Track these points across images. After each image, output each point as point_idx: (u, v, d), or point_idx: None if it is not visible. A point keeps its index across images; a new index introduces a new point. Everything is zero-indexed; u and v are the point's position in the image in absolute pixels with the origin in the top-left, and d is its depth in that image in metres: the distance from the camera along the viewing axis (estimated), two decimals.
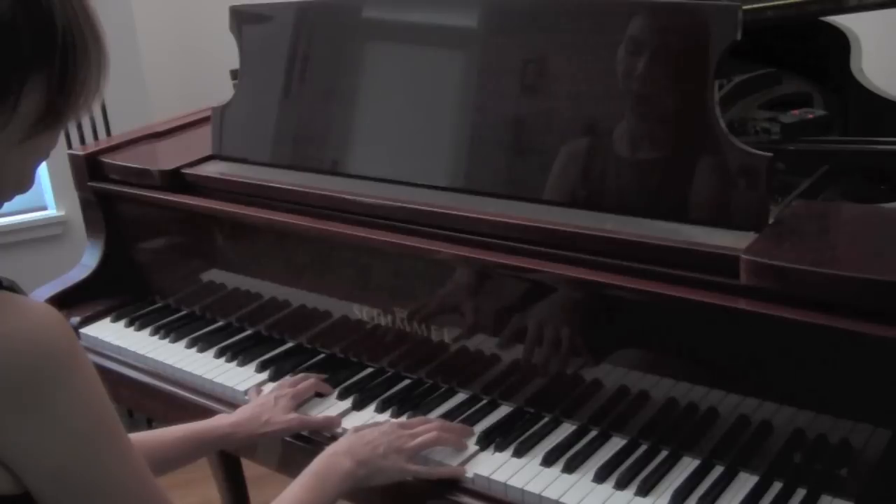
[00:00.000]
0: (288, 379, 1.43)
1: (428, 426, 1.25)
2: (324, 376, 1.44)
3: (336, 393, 1.41)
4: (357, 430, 1.25)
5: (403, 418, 1.33)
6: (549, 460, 1.21)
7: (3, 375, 0.75)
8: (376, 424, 1.27)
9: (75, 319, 1.72)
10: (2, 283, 0.80)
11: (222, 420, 1.32)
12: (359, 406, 1.38)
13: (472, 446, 1.26)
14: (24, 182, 0.86)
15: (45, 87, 0.80)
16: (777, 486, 1.13)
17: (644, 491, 1.14)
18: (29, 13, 0.77)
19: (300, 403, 1.37)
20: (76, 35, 0.81)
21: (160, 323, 1.69)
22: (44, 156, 0.86)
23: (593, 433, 1.26)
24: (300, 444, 1.34)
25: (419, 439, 1.22)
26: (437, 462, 1.24)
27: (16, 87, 0.78)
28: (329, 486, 1.13)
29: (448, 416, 1.33)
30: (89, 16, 0.83)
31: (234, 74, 1.77)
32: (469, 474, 1.21)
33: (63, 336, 0.80)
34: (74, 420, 0.79)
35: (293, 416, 1.33)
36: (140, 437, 1.22)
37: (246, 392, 1.45)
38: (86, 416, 0.80)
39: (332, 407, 1.39)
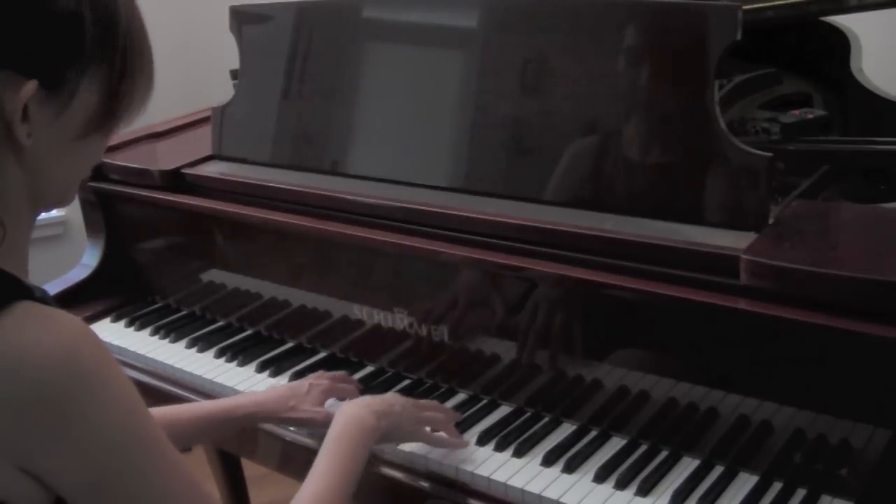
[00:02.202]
0: (334, 373, 1.39)
1: (426, 403, 1.27)
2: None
3: None
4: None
5: None
6: (549, 460, 1.21)
7: (32, 391, 0.74)
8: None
9: None
10: (34, 294, 0.79)
11: (247, 398, 1.31)
12: None
13: (472, 446, 1.26)
14: (66, 195, 0.88)
15: (106, 80, 0.82)
16: (777, 486, 1.13)
17: (644, 491, 1.14)
18: (95, 4, 0.79)
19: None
20: (136, 34, 0.84)
21: (160, 323, 1.69)
22: (89, 166, 0.88)
23: (593, 433, 1.26)
24: (301, 443, 1.34)
25: (428, 413, 1.24)
26: (437, 461, 1.24)
27: (75, 76, 0.79)
28: (356, 446, 1.09)
29: None
30: (143, 24, 0.87)
31: (234, 74, 1.77)
32: (468, 474, 1.21)
33: (93, 350, 0.78)
34: (108, 434, 0.78)
35: (321, 409, 1.29)
36: (162, 412, 1.21)
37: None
38: (120, 429, 0.79)
39: (331, 407, 1.38)
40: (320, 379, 1.35)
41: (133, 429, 0.80)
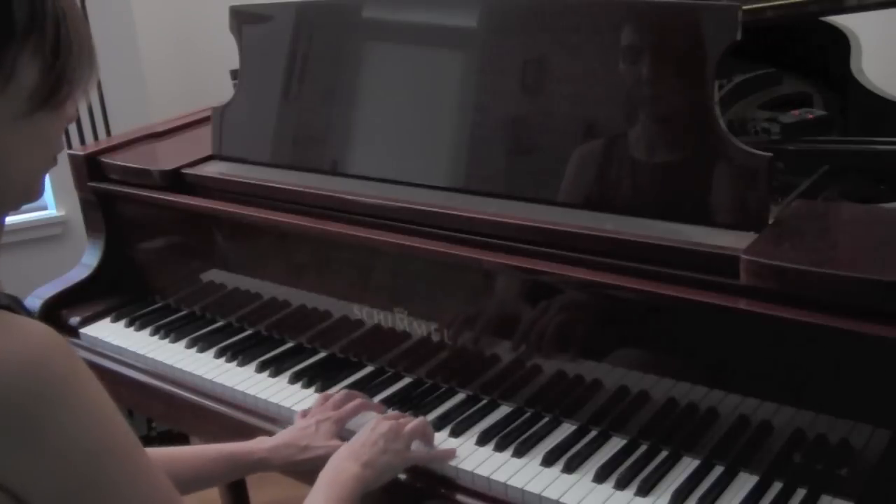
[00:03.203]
0: (334, 396, 1.36)
1: (406, 419, 1.25)
2: (368, 398, 1.38)
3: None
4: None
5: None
6: (549, 460, 1.21)
7: (1, 401, 0.73)
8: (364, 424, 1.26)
9: (75, 319, 1.72)
10: (0, 302, 0.77)
11: (260, 444, 1.28)
12: None
13: (471, 446, 1.26)
14: (32, 188, 0.86)
15: (40, 53, 0.80)
16: (777, 487, 1.13)
17: (644, 491, 1.14)
18: None
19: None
20: (67, 11, 0.82)
21: (160, 323, 1.69)
22: (48, 153, 0.86)
23: (593, 433, 1.26)
24: None
25: (410, 426, 1.23)
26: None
27: (10, 56, 0.78)
28: (344, 494, 1.11)
29: (448, 416, 1.33)
30: (73, 2, 0.84)
31: (234, 74, 1.77)
32: (468, 474, 1.21)
33: (61, 359, 0.77)
34: (78, 443, 0.77)
35: (335, 442, 1.27)
36: (173, 452, 1.22)
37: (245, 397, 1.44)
38: (91, 439, 0.78)
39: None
40: (326, 412, 1.32)
41: (105, 438, 0.79)
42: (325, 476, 1.14)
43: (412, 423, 1.24)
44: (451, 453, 1.24)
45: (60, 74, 0.82)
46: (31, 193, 0.86)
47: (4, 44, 0.78)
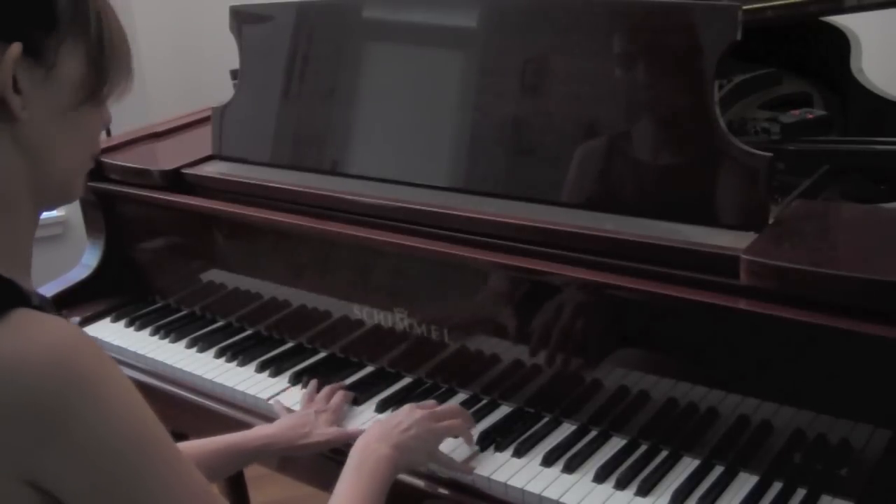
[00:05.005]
0: (320, 392, 1.39)
1: (443, 409, 1.25)
2: (352, 394, 1.41)
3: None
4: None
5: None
6: (549, 460, 1.21)
7: (27, 399, 0.73)
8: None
9: (75, 319, 1.72)
10: (31, 302, 0.78)
11: (260, 431, 1.29)
12: (358, 405, 1.39)
13: (472, 446, 1.26)
14: (71, 187, 0.87)
15: (83, 45, 0.82)
16: (777, 487, 1.13)
17: (644, 491, 1.14)
18: None
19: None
20: (108, 12, 0.84)
21: (160, 323, 1.69)
22: (86, 152, 0.87)
23: (593, 433, 1.26)
24: None
25: (445, 423, 1.21)
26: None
27: (54, 44, 0.80)
28: (376, 476, 1.10)
29: None
30: (111, 7, 0.86)
31: (234, 74, 1.77)
32: (469, 474, 1.21)
33: (87, 356, 0.77)
34: (106, 440, 0.77)
35: (335, 429, 1.29)
36: (186, 447, 1.21)
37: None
38: (119, 435, 0.78)
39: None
40: (321, 404, 1.34)
41: (133, 434, 0.79)
42: (355, 459, 1.12)
43: (447, 422, 1.22)
44: (469, 469, 1.21)
45: (103, 69, 0.84)
46: (70, 193, 0.88)
47: (46, 33, 0.80)
